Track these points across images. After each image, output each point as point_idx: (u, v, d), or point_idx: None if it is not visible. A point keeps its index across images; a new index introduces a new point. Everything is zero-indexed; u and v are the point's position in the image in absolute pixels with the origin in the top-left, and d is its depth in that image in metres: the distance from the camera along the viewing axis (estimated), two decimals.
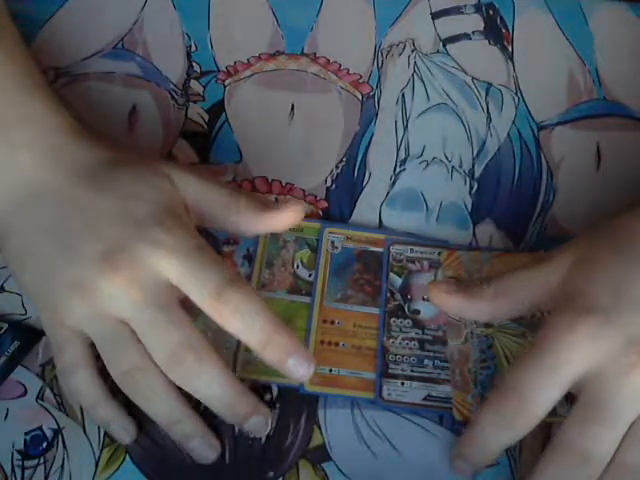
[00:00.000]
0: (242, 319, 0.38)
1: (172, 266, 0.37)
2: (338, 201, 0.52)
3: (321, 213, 0.51)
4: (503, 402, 0.37)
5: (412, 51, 0.60)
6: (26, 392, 0.42)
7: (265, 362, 0.39)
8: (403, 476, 0.41)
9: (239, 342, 0.44)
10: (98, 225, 0.38)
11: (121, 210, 0.39)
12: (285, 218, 0.44)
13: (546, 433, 0.42)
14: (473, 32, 0.61)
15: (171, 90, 0.56)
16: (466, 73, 0.59)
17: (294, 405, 0.43)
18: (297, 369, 0.38)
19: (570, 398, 0.38)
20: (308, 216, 0.47)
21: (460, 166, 0.54)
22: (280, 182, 0.51)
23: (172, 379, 0.37)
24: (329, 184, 0.52)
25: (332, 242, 0.49)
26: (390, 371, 0.44)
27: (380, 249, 0.49)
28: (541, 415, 0.37)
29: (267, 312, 0.38)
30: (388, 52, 0.60)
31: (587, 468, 0.35)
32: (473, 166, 0.54)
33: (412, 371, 0.44)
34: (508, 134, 0.56)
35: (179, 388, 0.38)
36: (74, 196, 0.39)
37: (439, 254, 0.49)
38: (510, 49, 0.61)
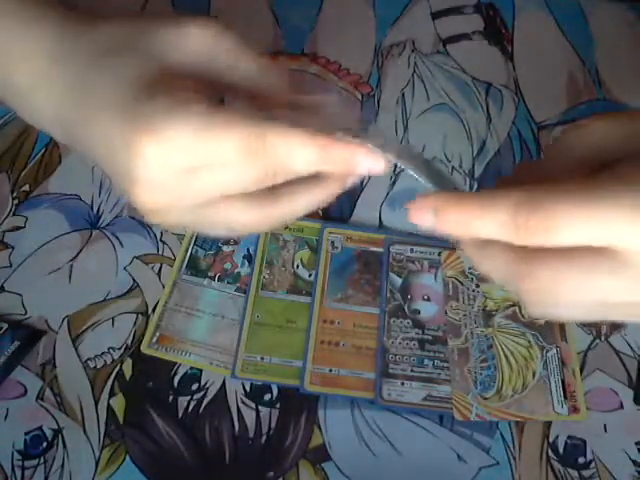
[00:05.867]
0: (287, 163, 0.30)
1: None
2: (338, 201, 0.51)
3: (321, 213, 0.51)
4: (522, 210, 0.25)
5: (412, 51, 0.60)
6: (26, 392, 0.42)
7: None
8: (403, 476, 0.41)
9: (239, 341, 0.44)
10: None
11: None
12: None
13: (546, 434, 0.43)
14: (473, 32, 0.61)
15: None
16: (466, 73, 0.59)
17: (294, 405, 0.43)
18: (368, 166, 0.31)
19: None
20: (308, 216, 0.47)
21: (460, 166, 0.54)
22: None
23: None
24: None
25: (332, 242, 0.49)
26: (390, 371, 0.44)
27: (380, 249, 0.49)
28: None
29: (309, 137, 0.30)
30: (388, 52, 0.60)
31: None
32: (473, 166, 0.54)
33: (412, 371, 0.44)
34: (508, 134, 0.56)
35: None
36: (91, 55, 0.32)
37: (439, 254, 0.49)
38: (510, 49, 0.61)
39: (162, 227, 0.31)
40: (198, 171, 0.30)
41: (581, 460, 0.42)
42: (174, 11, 0.42)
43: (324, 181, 0.33)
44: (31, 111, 0.35)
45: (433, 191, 0.29)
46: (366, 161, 0.31)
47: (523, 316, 0.46)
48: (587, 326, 0.47)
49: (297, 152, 0.30)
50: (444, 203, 0.27)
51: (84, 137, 0.32)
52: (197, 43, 0.33)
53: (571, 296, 0.25)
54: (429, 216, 0.27)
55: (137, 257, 0.48)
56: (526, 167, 0.31)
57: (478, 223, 0.26)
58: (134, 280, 0.47)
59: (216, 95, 0.34)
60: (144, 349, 0.44)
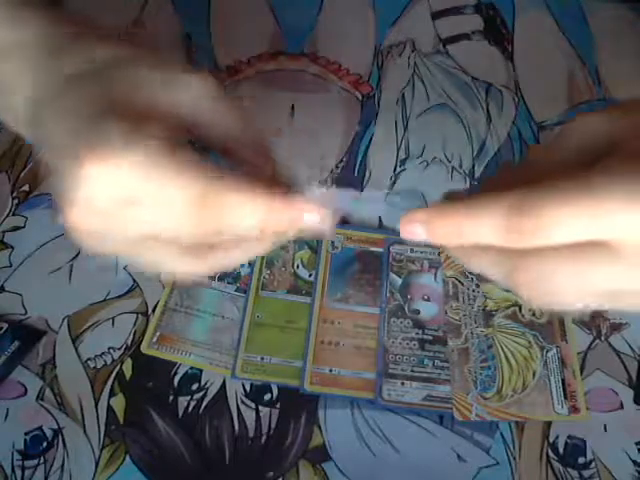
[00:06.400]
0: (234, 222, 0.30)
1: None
2: None
3: None
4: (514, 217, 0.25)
5: (412, 51, 0.60)
6: (26, 392, 0.42)
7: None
8: (403, 476, 0.41)
9: (239, 341, 0.44)
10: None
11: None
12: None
13: (546, 434, 0.43)
14: (473, 32, 0.61)
15: None
16: (466, 73, 0.59)
17: (294, 405, 0.43)
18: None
19: None
20: None
21: (460, 166, 0.54)
22: None
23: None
24: (329, 184, 0.52)
25: (332, 242, 0.49)
26: (390, 371, 0.44)
27: (380, 249, 0.49)
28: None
29: (253, 201, 0.29)
30: (388, 52, 0.60)
31: None
32: (473, 166, 0.54)
33: (412, 371, 0.44)
34: (508, 134, 0.56)
35: None
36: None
37: (439, 254, 0.49)
38: (510, 49, 0.61)
39: (95, 253, 0.30)
40: (138, 205, 0.29)
41: (581, 460, 0.42)
42: (171, 56, 0.42)
43: (262, 235, 0.31)
44: (7, 110, 0.35)
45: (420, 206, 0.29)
46: (310, 218, 0.30)
47: (523, 316, 0.46)
48: (587, 326, 0.47)
49: (248, 216, 0.29)
50: (433, 216, 0.27)
51: (47, 139, 0.31)
52: (185, 92, 0.33)
53: (566, 283, 0.25)
54: (419, 230, 0.27)
55: None
56: (511, 168, 0.31)
57: (470, 232, 0.26)
58: (134, 280, 0.47)
59: (185, 139, 0.34)
60: (144, 349, 0.44)
